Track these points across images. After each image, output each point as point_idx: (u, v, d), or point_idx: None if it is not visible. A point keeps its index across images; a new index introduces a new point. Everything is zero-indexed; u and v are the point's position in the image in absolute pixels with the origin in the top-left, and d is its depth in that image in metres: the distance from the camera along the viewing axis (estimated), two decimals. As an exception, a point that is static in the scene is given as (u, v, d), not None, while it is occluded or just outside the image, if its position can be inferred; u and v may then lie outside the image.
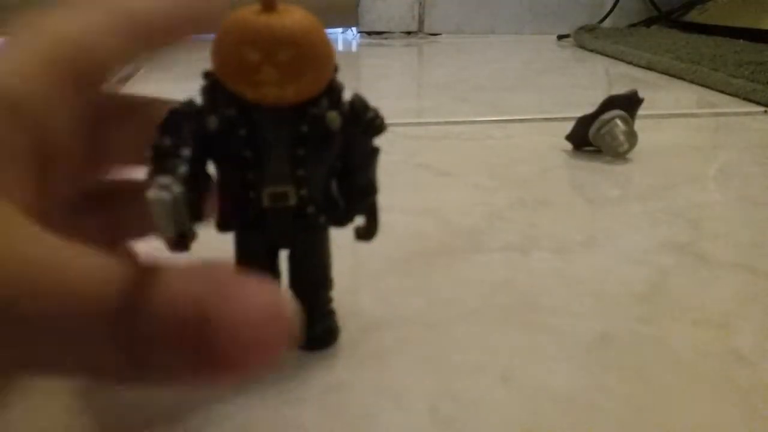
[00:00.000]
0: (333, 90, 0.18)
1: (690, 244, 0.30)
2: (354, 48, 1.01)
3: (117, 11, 0.17)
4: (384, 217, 0.20)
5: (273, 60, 0.16)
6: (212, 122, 0.17)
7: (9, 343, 0.14)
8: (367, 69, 0.83)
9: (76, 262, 0.14)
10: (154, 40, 0.18)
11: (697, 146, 0.46)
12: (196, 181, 0.17)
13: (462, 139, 0.48)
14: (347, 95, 0.19)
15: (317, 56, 0.17)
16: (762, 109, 0.56)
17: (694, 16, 1.02)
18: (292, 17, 0.17)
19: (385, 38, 1.08)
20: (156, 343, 0.13)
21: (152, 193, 0.16)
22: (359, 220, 0.20)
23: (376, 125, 0.19)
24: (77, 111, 0.17)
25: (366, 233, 0.20)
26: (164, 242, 0.17)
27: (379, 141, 0.19)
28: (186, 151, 0.17)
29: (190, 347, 0.13)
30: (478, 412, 0.19)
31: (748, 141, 0.47)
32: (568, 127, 0.43)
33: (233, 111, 0.17)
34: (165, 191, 0.16)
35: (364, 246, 0.20)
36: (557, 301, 0.25)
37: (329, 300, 0.21)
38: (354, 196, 0.20)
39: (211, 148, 0.18)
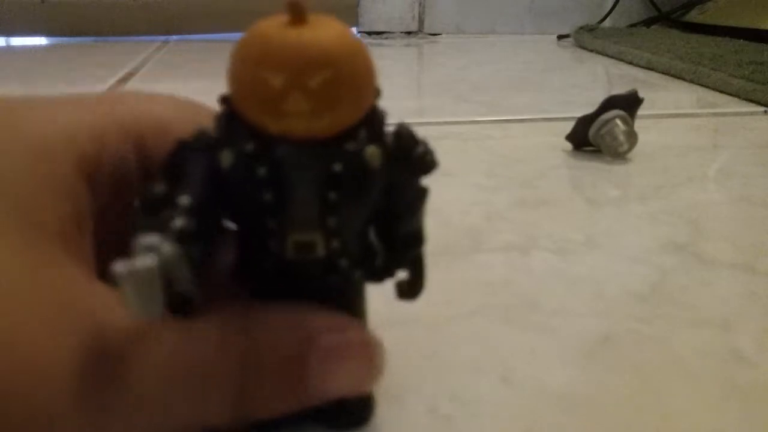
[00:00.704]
0: (374, 119, 0.15)
1: (690, 244, 0.30)
2: (354, 48, 1.01)
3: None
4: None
5: (302, 86, 0.13)
6: (226, 158, 0.14)
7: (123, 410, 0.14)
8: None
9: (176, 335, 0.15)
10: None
11: (697, 146, 0.46)
12: (203, 230, 0.14)
13: (462, 139, 0.48)
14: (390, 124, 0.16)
15: (358, 80, 0.14)
16: (762, 109, 0.56)
17: (694, 16, 1.02)
18: (327, 31, 0.14)
19: (385, 38, 1.08)
20: (261, 381, 0.15)
21: (120, 267, 0.12)
22: (401, 274, 0.17)
23: (427, 162, 0.16)
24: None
25: (410, 290, 0.17)
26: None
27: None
28: (185, 200, 0.14)
29: (290, 383, 0.15)
30: (478, 412, 0.19)
31: (748, 141, 0.47)
32: (568, 127, 0.43)
33: (251, 146, 0.14)
34: (144, 259, 0.13)
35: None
36: (557, 301, 0.25)
37: None
38: (396, 246, 0.17)
39: (225, 189, 0.15)
